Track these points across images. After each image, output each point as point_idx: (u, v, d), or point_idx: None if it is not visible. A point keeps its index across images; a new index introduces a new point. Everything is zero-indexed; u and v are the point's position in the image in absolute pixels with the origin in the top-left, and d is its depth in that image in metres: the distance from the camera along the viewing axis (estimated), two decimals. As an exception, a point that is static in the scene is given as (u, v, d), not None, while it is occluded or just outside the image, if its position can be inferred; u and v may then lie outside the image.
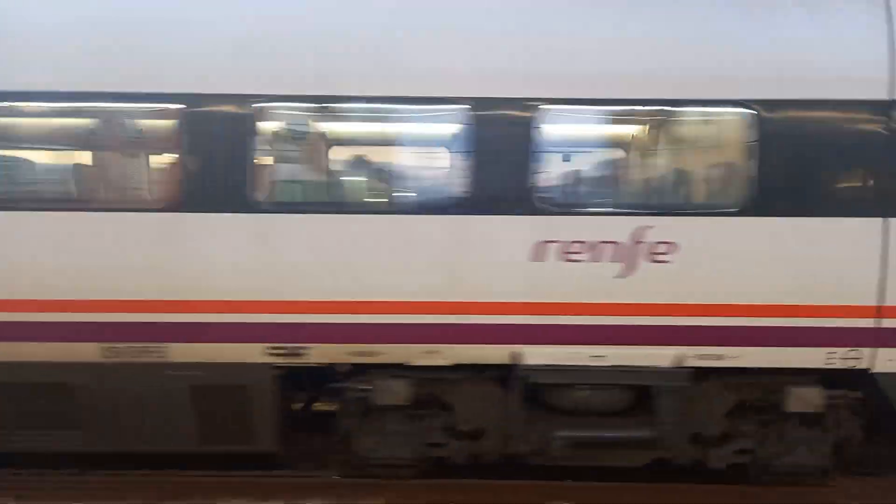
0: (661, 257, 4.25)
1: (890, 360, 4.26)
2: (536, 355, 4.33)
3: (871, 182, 4.11)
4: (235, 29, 4.14)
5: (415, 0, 4.32)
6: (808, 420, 4.56)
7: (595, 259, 4.26)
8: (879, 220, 4.13)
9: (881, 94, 4.04)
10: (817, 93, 4.07)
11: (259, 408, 4.31)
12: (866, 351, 4.25)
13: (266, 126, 4.25)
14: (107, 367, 4.21)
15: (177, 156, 4.15)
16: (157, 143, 4.32)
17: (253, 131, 4.11)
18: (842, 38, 4.12)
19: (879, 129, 4.05)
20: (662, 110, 4.30)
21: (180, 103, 4.04)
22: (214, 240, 4.08)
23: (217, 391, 4.23)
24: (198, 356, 4.16)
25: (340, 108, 4.25)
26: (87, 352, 4.18)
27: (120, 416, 4.32)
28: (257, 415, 4.30)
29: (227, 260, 4.09)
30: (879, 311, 4.18)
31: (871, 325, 4.21)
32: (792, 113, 4.12)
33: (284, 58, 4.08)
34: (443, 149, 4.47)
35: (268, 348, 4.26)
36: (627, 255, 4.27)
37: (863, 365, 4.27)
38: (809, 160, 4.14)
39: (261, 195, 4.18)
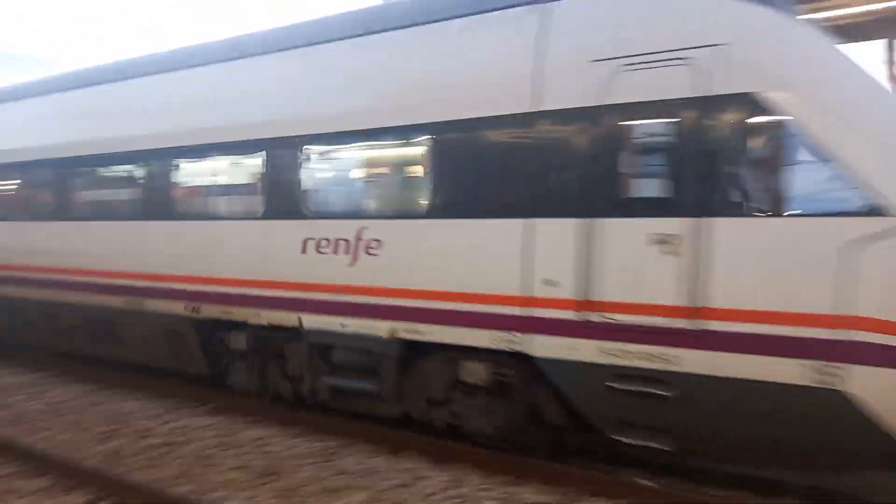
0: (373, 251, 5.48)
1: (542, 345, 4.61)
2: (309, 321, 5.82)
3: (516, 187, 4.62)
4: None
5: (227, 76, 6.37)
6: (496, 392, 5.09)
7: (335, 252, 5.66)
8: (521, 220, 4.61)
9: (524, 107, 4.45)
10: (475, 112, 4.67)
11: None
12: (520, 336, 4.67)
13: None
14: None
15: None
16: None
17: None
18: (494, 60, 4.65)
19: (523, 140, 4.49)
20: (371, 139, 5.45)
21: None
22: None
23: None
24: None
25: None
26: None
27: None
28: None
29: None
30: (528, 301, 4.61)
31: (521, 314, 4.65)
32: (455, 133, 4.81)
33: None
34: (257, 175, 6.33)
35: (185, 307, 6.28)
36: (353, 250, 5.63)
37: (518, 348, 4.71)
38: (470, 171, 4.82)
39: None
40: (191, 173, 6.46)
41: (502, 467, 5.13)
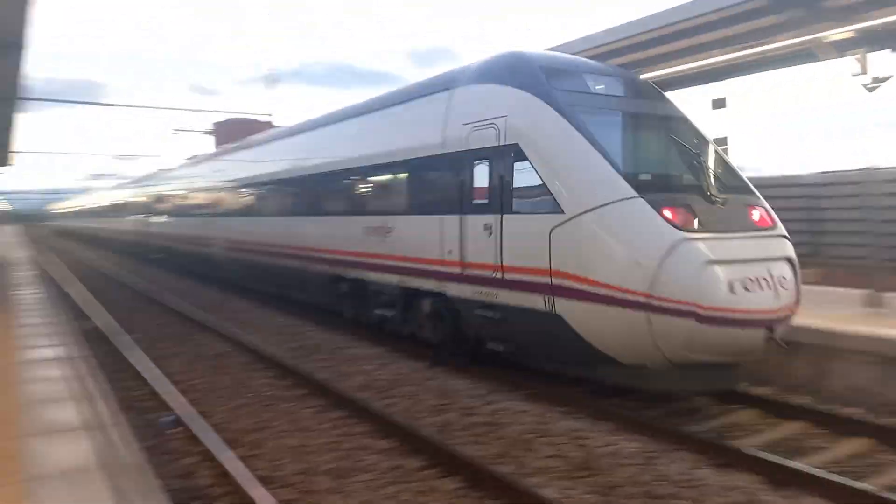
0: (387, 234, 8.83)
1: (450, 289, 7.72)
2: (368, 277, 9.36)
3: (436, 197, 7.82)
4: None
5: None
6: None
7: (375, 234, 9.18)
8: (437, 216, 7.69)
9: (438, 150, 7.57)
10: (420, 153, 8.11)
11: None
12: (441, 283, 7.84)
13: None
14: None
15: None
16: None
17: None
18: (429, 122, 7.88)
19: (438, 170, 7.67)
20: (379, 170, 9.12)
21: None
22: None
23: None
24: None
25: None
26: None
27: None
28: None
29: None
30: (442, 263, 7.73)
31: (441, 270, 7.73)
32: (412, 164, 8.25)
33: None
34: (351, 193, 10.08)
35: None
36: (383, 232, 8.89)
37: (440, 290, 7.85)
38: (417, 187, 8.25)
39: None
40: (331, 193, 10.35)
41: (844, 492, 4.48)
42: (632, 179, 5.45)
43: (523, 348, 6.74)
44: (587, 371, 6.19)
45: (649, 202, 5.26)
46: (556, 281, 5.77)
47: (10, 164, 21.51)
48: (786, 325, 5.47)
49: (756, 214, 5.79)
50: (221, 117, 31.14)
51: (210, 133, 30.44)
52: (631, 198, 5.26)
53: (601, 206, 5.36)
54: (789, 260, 5.68)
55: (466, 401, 7.07)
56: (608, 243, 5.32)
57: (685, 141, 6.21)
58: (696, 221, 5.33)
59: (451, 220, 7.18)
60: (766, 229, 5.72)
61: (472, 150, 6.84)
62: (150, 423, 6.87)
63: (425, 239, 7.67)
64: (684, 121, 6.68)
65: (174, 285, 18.06)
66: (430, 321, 8.07)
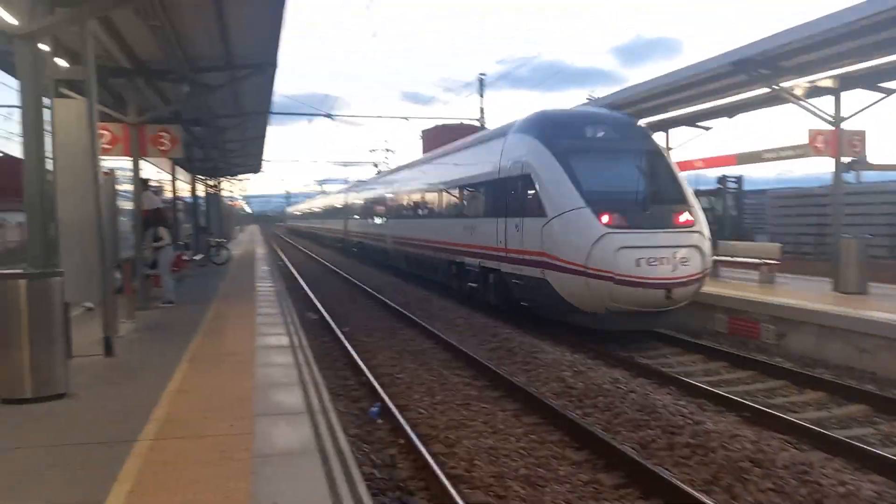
0: (469, 233, 13.85)
1: (503, 267, 11.98)
2: (465, 260, 14.03)
3: (494, 205, 12.56)
4: None
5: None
6: None
7: (467, 231, 14.11)
8: (495, 219, 12.25)
9: (495, 176, 12.28)
10: (482, 178, 13.29)
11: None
12: (500, 263, 12.08)
13: None
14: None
15: None
16: None
17: None
18: (488, 159, 12.96)
19: (496, 187, 12.48)
20: (455, 187, 15.34)
21: None
22: None
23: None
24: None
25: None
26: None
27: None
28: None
29: None
30: (499, 250, 12.03)
31: (497, 254, 12.00)
32: (476, 184, 13.71)
33: None
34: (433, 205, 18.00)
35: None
36: (464, 232, 14.04)
37: (499, 267, 12.16)
38: (481, 199, 13.39)
39: None
40: (431, 201, 16.48)
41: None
42: (586, 196, 9.79)
43: (535, 304, 11.08)
44: (567, 318, 10.27)
45: (592, 210, 9.58)
46: (543, 259, 10.31)
47: (260, 171, 32.26)
48: (686, 290, 9.49)
49: (681, 217, 9.88)
50: (429, 124, 39.85)
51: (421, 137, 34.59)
52: (581, 207, 9.67)
53: (565, 212, 9.85)
54: (697, 247, 9.73)
55: (671, 419, 6.73)
56: (566, 235, 9.74)
57: (645, 168, 10.43)
58: (621, 221, 9.46)
59: (501, 222, 11.96)
60: (683, 227, 9.78)
61: (511, 177, 11.62)
62: (360, 410, 7.54)
63: (490, 234, 12.37)
64: (654, 153, 10.87)
65: (380, 281, 19.60)
66: (494, 289, 12.55)
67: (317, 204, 48.90)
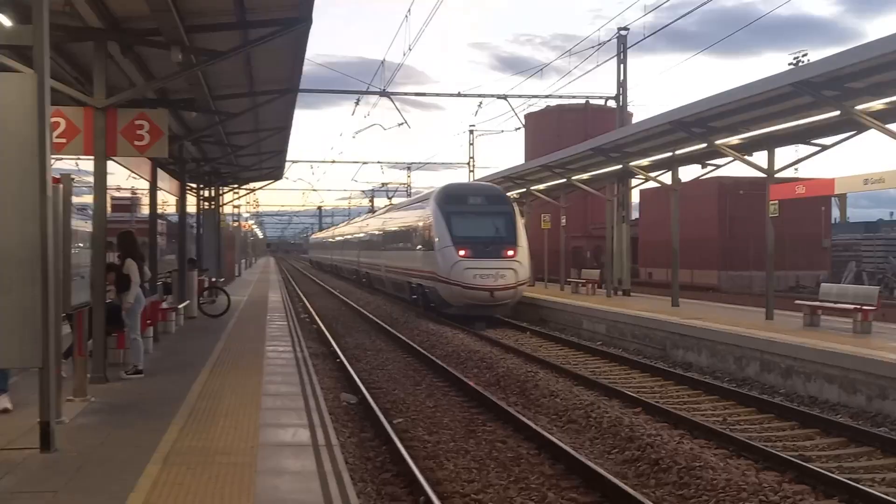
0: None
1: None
2: (414, 280, 33.97)
3: (409, 242, 36.00)
4: None
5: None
6: None
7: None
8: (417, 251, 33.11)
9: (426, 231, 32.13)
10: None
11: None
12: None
13: None
14: None
15: None
16: None
17: None
18: (420, 216, 34.30)
19: (422, 232, 32.74)
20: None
21: None
22: None
23: None
24: None
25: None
26: None
27: None
28: None
29: None
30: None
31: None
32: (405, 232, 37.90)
33: None
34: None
35: None
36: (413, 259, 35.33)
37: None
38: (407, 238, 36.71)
39: None
40: (387, 238, 41.06)
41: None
42: (454, 239, 28.30)
43: (434, 302, 29.57)
44: (447, 310, 28.42)
45: (455, 247, 28.04)
46: (433, 274, 29.16)
47: (282, 178, 41.66)
48: (506, 293, 27.50)
49: (509, 252, 27.95)
50: (537, 105, 51.86)
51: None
52: (449, 246, 28.21)
53: (442, 248, 28.34)
54: (513, 269, 27.63)
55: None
56: (440, 261, 28.25)
57: (496, 221, 28.88)
58: (470, 254, 27.84)
59: (419, 252, 31.60)
60: (507, 258, 27.78)
61: (424, 224, 31.07)
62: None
63: (415, 259, 32.30)
64: (506, 212, 29.24)
65: (458, 345, 19.59)
66: (415, 294, 32.67)
67: (351, 229, 62.51)
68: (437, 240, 29.09)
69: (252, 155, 29.00)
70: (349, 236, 61.73)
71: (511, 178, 35.42)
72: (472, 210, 29.58)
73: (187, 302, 20.77)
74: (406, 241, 35.34)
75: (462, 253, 27.88)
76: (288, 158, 36.84)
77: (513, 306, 28.96)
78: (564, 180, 31.40)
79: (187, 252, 23.82)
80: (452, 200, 30.06)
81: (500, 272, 27.62)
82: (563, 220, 34.72)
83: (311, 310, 32.34)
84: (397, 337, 23.46)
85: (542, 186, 34.86)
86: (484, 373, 17.34)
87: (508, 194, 32.33)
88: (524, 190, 36.29)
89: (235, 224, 65.10)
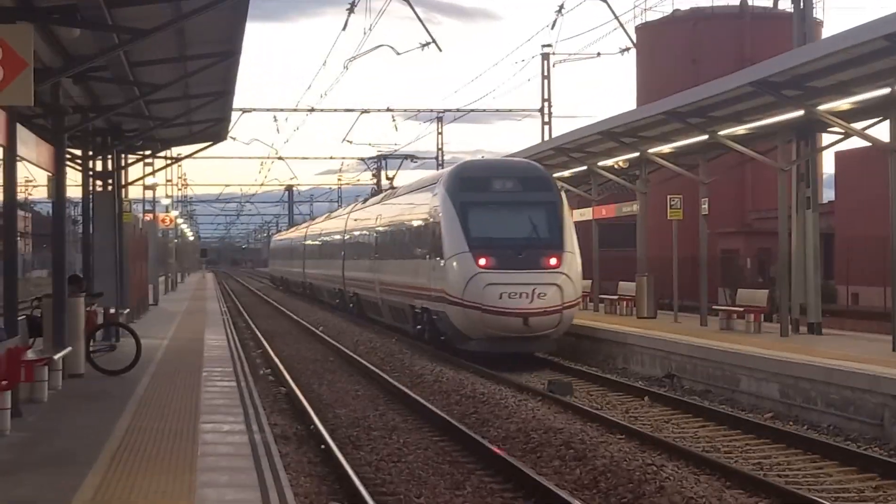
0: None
1: None
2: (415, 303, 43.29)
3: (421, 244, 40.08)
4: None
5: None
6: None
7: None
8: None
9: (431, 220, 37.96)
10: (420, 221, 41.88)
11: None
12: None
13: None
14: None
15: None
16: None
17: None
18: (424, 202, 40.36)
19: (431, 227, 37.92)
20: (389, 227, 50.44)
21: None
22: None
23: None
24: None
25: None
26: None
27: None
28: None
29: None
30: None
31: None
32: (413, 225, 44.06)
33: None
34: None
35: None
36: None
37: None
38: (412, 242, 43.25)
39: None
40: (382, 243, 49.30)
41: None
42: (471, 242, 32.59)
43: (446, 334, 35.02)
44: (464, 345, 33.39)
45: (472, 254, 32.19)
46: (443, 293, 34.54)
47: (226, 138, 43.03)
48: (548, 320, 31.75)
49: (552, 261, 32.09)
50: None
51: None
52: (464, 252, 32.50)
53: (454, 255, 32.95)
54: (557, 285, 31.78)
55: None
56: (451, 274, 32.99)
57: (534, 214, 33.36)
58: (494, 263, 31.90)
59: (423, 263, 37.78)
60: (549, 269, 31.91)
61: (429, 221, 37.29)
62: None
63: (417, 272, 39.21)
64: (548, 201, 33.57)
65: (462, 392, 19.68)
66: (419, 323, 39.39)
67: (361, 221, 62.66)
68: (446, 243, 32.39)
69: (176, 100, 29.13)
70: (326, 238, 69.41)
71: (613, 133, 35.39)
72: (497, 199, 33.17)
73: (68, 349, 20.77)
74: (406, 247, 40.59)
75: (483, 262, 31.17)
76: (237, 105, 37.03)
77: (569, 345, 33.90)
78: (706, 136, 31.08)
79: (68, 265, 23.88)
80: (469, 186, 33.65)
81: (537, 289, 30.67)
82: (705, 206, 34.30)
83: (275, 358, 32.35)
84: (421, 405, 23.21)
85: (666, 148, 35.02)
86: (571, 467, 17.21)
87: (612, 162, 35.30)
88: (636, 154, 36.49)
89: (149, 217, 65.56)
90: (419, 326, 37.10)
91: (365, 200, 64.21)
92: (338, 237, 63.78)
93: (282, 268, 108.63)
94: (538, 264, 30.66)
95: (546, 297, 30.12)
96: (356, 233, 56.42)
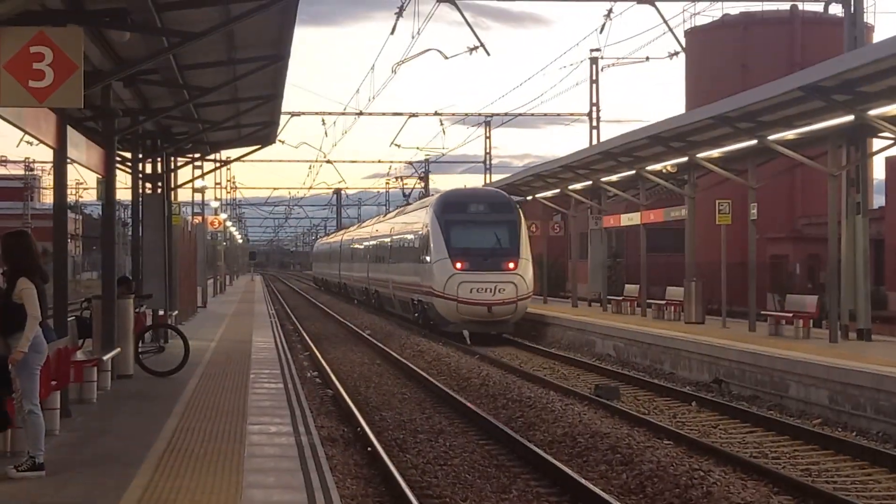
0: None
1: None
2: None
3: (412, 254, 57.44)
4: None
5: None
6: None
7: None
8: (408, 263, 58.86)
9: (423, 232, 53.27)
10: (414, 235, 58.75)
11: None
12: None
13: None
14: None
15: None
16: None
17: None
18: (418, 220, 57.18)
19: (420, 241, 54.19)
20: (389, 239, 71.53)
21: None
22: None
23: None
24: None
25: None
26: None
27: None
28: None
29: None
30: None
31: None
32: (407, 240, 61.96)
33: None
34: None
35: None
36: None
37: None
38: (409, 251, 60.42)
39: None
40: (394, 249, 65.04)
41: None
42: (450, 250, 47.21)
43: (433, 319, 49.91)
44: (445, 327, 47.69)
45: (450, 260, 46.68)
46: (430, 289, 49.37)
47: (275, 141, 45.18)
48: (505, 309, 45.97)
49: (510, 264, 46.31)
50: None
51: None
52: (445, 258, 47.02)
53: (438, 260, 47.55)
54: (513, 283, 45.91)
55: None
56: (436, 274, 47.40)
57: (498, 230, 47.98)
58: (467, 266, 46.23)
59: (418, 266, 52.58)
60: (507, 271, 46.15)
61: (422, 234, 51.75)
62: None
63: (416, 272, 53.51)
64: (509, 221, 48.20)
65: (510, 397, 19.63)
66: (416, 311, 54.46)
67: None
68: (433, 251, 46.28)
69: (225, 103, 29.23)
70: (357, 245, 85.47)
71: (661, 137, 35.35)
72: (472, 219, 47.03)
73: (117, 350, 20.87)
74: (408, 253, 54.77)
75: (458, 266, 44.60)
76: (286, 109, 37.15)
77: (515, 322, 46.02)
78: (755, 141, 31.07)
79: (117, 267, 24.01)
80: (451, 208, 47.68)
81: (498, 286, 44.04)
82: (754, 211, 34.10)
83: (324, 363, 32.42)
84: (468, 409, 23.42)
85: (715, 153, 34.78)
86: (617, 472, 17.25)
87: (660, 167, 37.27)
88: (685, 159, 36.28)
89: (198, 220, 65.85)
90: (416, 314, 51.20)
91: (386, 214, 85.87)
92: (365, 244, 79.12)
93: (323, 270, 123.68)
94: (499, 267, 44.30)
95: (505, 292, 43.64)
96: (377, 241, 70.81)
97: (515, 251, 44.88)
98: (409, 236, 55.45)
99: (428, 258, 46.55)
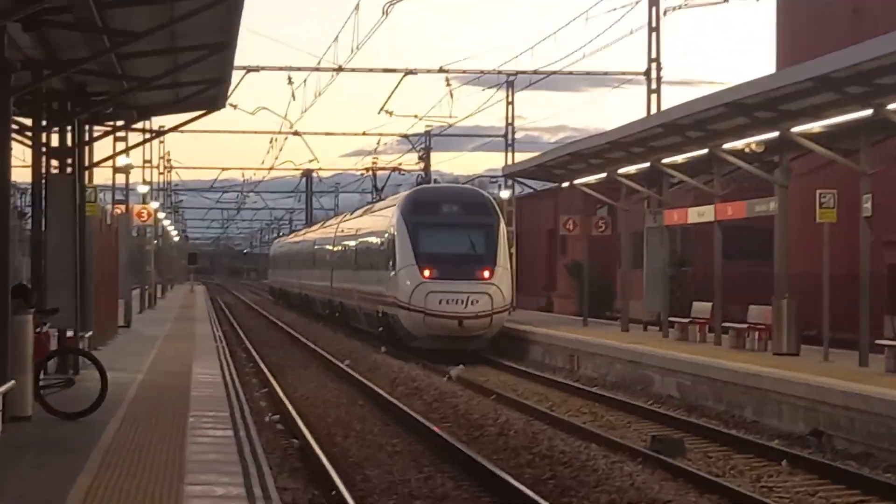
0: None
1: None
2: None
3: (376, 257, 76.63)
4: None
5: None
6: None
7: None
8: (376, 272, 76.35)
9: (390, 232, 69.10)
10: (381, 233, 76.41)
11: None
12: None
13: None
14: None
15: None
16: None
17: None
18: (385, 220, 74.98)
19: (386, 240, 72.26)
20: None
21: None
22: None
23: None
24: None
25: None
26: None
27: None
28: None
29: None
30: None
31: None
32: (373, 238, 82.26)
33: None
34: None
35: None
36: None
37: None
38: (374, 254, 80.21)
39: None
40: (358, 254, 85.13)
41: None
42: (418, 256, 59.81)
43: (398, 334, 64.25)
44: (412, 343, 61.13)
45: (418, 266, 59.56)
46: (395, 299, 64.09)
47: (224, 105, 44.79)
48: (479, 323, 58.28)
49: (485, 273, 58.49)
50: None
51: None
52: (411, 265, 60.15)
53: (404, 267, 60.67)
54: (488, 294, 57.89)
55: None
56: (401, 283, 60.48)
57: (473, 235, 59.78)
58: (436, 274, 58.81)
59: (382, 273, 68.36)
60: (482, 280, 58.34)
61: (388, 238, 66.72)
62: None
63: (379, 281, 69.50)
64: (486, 224, 60.13)
65: (538, 451, 19.83)
66: (381, 325, 69.74)
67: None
68: (398, 257, 52.35)
69: (159, 53, 29.32)
70: (321, 248, 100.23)
71: (744, 105, 35.37)
72: (443, 221, 53.31)
73: (11, 384, 20.95)
74: (373, 259, 62.52)
75: (426, 273, 51.46)
76: (240, 62, 37.21)
77: (490, 339, 53.17)
78: (870, 111, 30.81)
79: (12, 272, 24.07)
80: (421, 208, 54.04)
81: (471, 297, 50.84)
82: (868, 205, 33.82)
83: (287, 403, 32.58)
84: (480, 467, 23.25)
85: (816, 127, 34.79)
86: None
87: (742, 145, 36.32)
88: (775, 134, 36.20)
89: (121, 210, 66.02)
90: (380, 328, 57.85)
91: (353, 211, 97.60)
92: (327, 247, 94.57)
93: (280, 278, 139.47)
94: (473, 275, 50.71)
95: (478, 304, 50.10)
96: (342, 245, 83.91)
97: (491, 258, 50.62)
98: (374, 239, 62.78)
99: (393, 265, 52.70)
